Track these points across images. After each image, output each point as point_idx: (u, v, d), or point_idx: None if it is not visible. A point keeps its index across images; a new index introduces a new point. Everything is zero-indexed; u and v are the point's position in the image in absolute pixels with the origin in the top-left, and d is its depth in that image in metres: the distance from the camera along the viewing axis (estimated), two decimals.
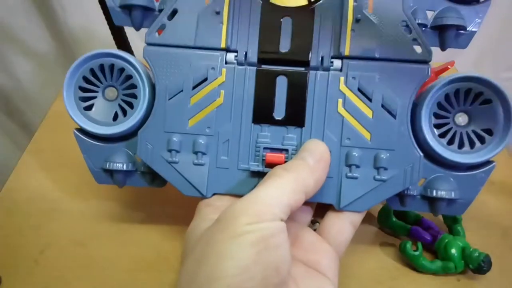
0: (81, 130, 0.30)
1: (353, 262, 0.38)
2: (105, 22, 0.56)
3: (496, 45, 0.74)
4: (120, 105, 0.29)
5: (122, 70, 0.29)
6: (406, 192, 0.29)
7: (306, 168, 0.25)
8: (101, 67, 0.29)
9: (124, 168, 0.30)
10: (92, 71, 0.29)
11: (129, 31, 0.57)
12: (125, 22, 0.31)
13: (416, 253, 0.36)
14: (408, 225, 0.39)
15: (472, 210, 0.41)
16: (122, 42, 0.58)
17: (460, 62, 0.67)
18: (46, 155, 0.47)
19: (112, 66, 0.29)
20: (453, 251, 0.36)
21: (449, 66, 0.47)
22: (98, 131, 0.29)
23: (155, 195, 0.43)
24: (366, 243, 0.39)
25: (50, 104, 0.54)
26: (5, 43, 0.65)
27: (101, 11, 0.55)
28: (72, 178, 0.44)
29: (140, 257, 0.38)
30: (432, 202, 0.30)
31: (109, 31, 0.57)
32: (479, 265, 0.35)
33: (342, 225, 0.29)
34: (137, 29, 0.31)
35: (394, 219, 0.39)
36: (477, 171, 0.29)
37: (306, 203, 0.26)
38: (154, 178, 0.31)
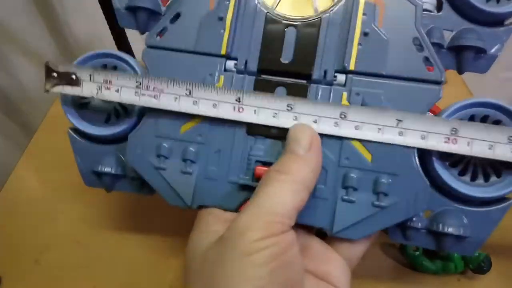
0: (76, 130, 0.30)
1: None
2: (106, 22, 0.56)
3: None
4: (115, 107, 0.29)
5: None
6: (409, 223, 0.27)
7: (299, 162, 0.23)
8: (104, 67, 0.29)
9: (113, 171, 0.29)
10: None
11: (131, 32, 0.57)
12: (130, 24, 0.31)
13: (416, 253, 0.36)
14: None
15: None
16: (122, 43, 0.59)
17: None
18: (45, 156, 0.47)
19: (114, 68, 0.29)
20: None
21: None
22: (91, 131, 0.29)
23: (155, 196, 0.43)
24: None
25: (50, 105, 0.54)
26: (5, 43, 0.65)
27: (101, 12, 0.55)
28: (72, 178, 0.44)
29: (140, 257, 0.38)
30: (438, 237, 0.27)
31: (109, 32, 0.57)
32: (479, 265, 0.35)
33: None
34: (142, 32, 0.30)
35: None
36: (491, 208, 0.26)
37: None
38: (143, 185, 0.30)
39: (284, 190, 0.22)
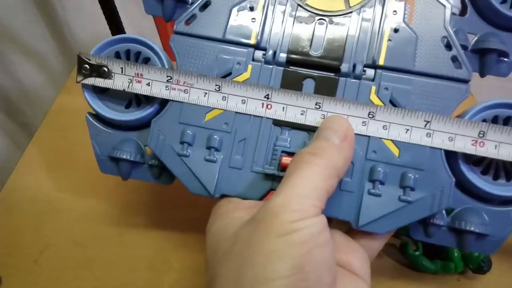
0: (93, 115, 0.30)
1: None
2: (106, 22, 0.56)
3: None
4: (136, 93, 0.28)
5: (147, 60, 0.29)
6: (431, 220, 0.27)
7: (333, 149, 0.23)
8: (127, 52, 0.29)
9: (132, 158, 0.29)
10: (117, 54, 0.29)
11: (130, 32, 0.57)
12: (156, 12, 0.31)
13: (416, 253, 0.36)
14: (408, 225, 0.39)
15: None
16: None
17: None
18: (46, 155, 0.47)
19: (138, 54, 0.29)
20: (453, 251, 0.36)
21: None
22: (112, 116, 0.28)
23: (155, 197, 0.43)
24: None
25: (50, 104, 0.54)
26: (5, 43, 0.65)
27: (101, 12, 0.55)
28: (72, 178, 0.44)
29: (140, 257, 0.38)
30: (459, 235, 0.27)
31: (109, 32, 0.57)
32: (479, 265, 0.35)
33: None
34: (167, 20, 0.30)
35: None
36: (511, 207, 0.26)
37: None
38: (161, 173, 0.30)
39: (318, 174, 0.22)
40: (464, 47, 0.28)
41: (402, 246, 0.37)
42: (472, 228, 0.26)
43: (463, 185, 0.27)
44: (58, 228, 0.40)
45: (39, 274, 0.37)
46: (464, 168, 0.26)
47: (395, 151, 0.26)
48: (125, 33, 0.58)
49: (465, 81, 0.26)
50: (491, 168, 0.26)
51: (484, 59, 0.28)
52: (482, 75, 0.29)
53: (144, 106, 0.29)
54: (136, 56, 0.29)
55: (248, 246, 0.20)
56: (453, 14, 0.28)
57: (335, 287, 0.21)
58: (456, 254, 0.35)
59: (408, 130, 0.25)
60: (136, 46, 0.29)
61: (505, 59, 0.28)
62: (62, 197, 0.43)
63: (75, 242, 0.39)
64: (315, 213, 0.21)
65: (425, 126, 0.25)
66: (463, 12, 0.29)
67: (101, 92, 0.29)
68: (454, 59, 0.26)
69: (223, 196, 0.27)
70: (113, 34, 0.58)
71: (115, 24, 0.56)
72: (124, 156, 0.29)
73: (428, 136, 0.25)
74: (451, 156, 0.26)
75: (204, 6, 0.29)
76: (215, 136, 0.27)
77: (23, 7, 0.63)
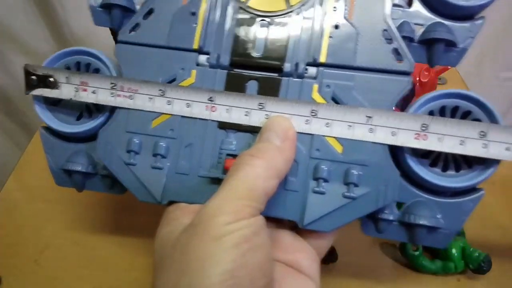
0: (48, 129, 0.30)
1: (353, 262, 0.38)
2: None
3: (496, 45, 0.74)
4: (86, 104, 0.29)
5: (97, 70, 0.29)
6: (381, 216, 0.27)
7: (274, 150, 0.23)
8: (77, 64, 0.29)
9: (84, 169, 0.29)
10: (67, 68, 0.29)
11: None
12: (105, 23, 0.31)
13: (416, 253, 0.36)
14: None
15: None
16: None
17: (460, 62, 0.67)
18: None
19: (88, 65, 0.29)
20: (453, 251, 0.36)
21: (448, 66, 0.47)
22: (62, 129, 0.28)
23: None
24: (366, 243, 0.39)
25: None
26: (5, 43, 0.65)
27: None
28: None
29: (140, 257, 0.38)
30: (410, 229, 0.27)
31: (109, 31, 0.57)
32: (479, 265, 0.35)
33: None
34: (116, 30, 0.31)
35: None
36: (463, 199, 0.26)
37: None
38: (113, 183, 0.30)
39: (255, 174, 0.22)
40: (411, 39, 0.28)
41: (402, 246, 0.37)
42: (422, 222, 0.26)
43: (413, 179, 0.26)
44: (58, 228, 0.40)
45: (39, 274, 0.37)
46: (411, 162, 0.26)
47: (338, 148, 0.26)
48: None
49: (407, 73, 0.26)
50: (440, 160, 0.26)
51: (432, 49, 0.28)
52: (431, 65, 0.29)
53: (95, 116, 0.28)
54: (86, 68, 0.29)
55: (185, 252, 0.20)
56: (399, 6, 0.28)
57: None
58: (456, 254, 0.35)
59: (350, 126, 0.25)
60: (85, 58, 0.29)
61: (454, 48, 0.28)
62: (62, 197, 0.43)
63: (75, 242, 0.39)
64: (250, 215, 0.21)
65: (367, 121, 0.25)
66: (409, 3, 0.28)
67: (53, 105, 0.29)
68: (395, 51, 0.26)
69: (171, 202, 0.27)
70: (113, 34, 0.58)
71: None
72: (76, 168, 0.29)
73: (371, 131, 0.25)
74: (398, 150, 0.26)
75: (148, 14, 0.28)
76: (161, 143, 0.27)
77: (23, 7, 0.63)
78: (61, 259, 0.38)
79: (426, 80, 0.45)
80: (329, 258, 0.37)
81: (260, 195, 0.22)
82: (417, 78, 0.45)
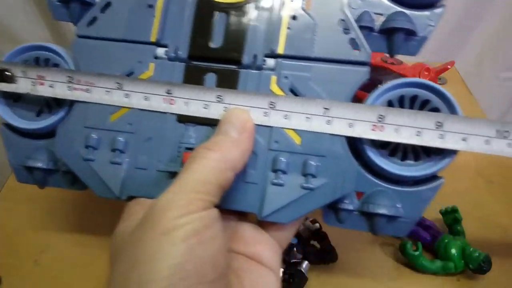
0: (8, 125, 0.29)
1: (353, 262, 0.38)
2: None
3: (496, 45, 0.74)
4: (46, 100, 0.28)
5: (56, 65, 0.28)
6: (341, 206, 0.27)
7: (230, 143, 0.23)
8: (36, 60, 0.28)
9: (45, 166, 0.28)
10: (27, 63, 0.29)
11: None
12: (64, 17, 0.30)
13: (416, 253, 0.36)
14: None
15: (472, 210, 0.41)
16: None
17: (460, 62, 0.67)
18: None
19: (47, 60, 0.28)
20: (453, 251, 0.36)
21: (448, 66, 0.47)
22: (22, 126, 0.28)
23: None
24: (366, 243, 0.39)
25: None
26: (5, 43, 0.65)
27: None
28: None
29: None
30: (370, 219, 0.27)
31: None
32: (479, 265, 0.35)
33: None
34: (76, 24, 0.31)
35: None
36: (422, 187, 0.26)
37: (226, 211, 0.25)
38: (75, 179, 0.29)
39: (209, 167, 0.22)
40: (371, 29, 0.28)
41: (402, 246, 0.37)
42: (381, 211, 0.26)
43: (372, 168, 0.26)
44: (58, 228, 0.40)
45: (39, 274, 0.37)
46: (370, 152, 0.26)
47: (297, 139, 0.26)
48: None
49: (365, 64, 0.26)
50: (398, 150, 0.26)
51: (391, 38, 0.28)
52: (391, 54, 0.29)
53: (55, 112, 0.28)
54: (46, 64, 0.29)
55: (136, 246, 0.20)
56: None
57: (222, 281, 0.21)
58: (456, 254, 0.35)
59: (308, 118, 0.25)
60: (44, 53, 0.29)
61: (414, 37, 0.28)
62: (62, 197, 0.43)
63: (75, 242, 0.39)
64: (202, 208, 0.21)
65: (324, 113, 0.25)
66: None
67: (15, 101, 0.29)
68: (353, 42, 0.26)
69: (132, 197, 0.26)
70: None
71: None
72: (36, 165, 0.28)
73: (328, 123, 0.25)
74: (358, 140, 0.26)
75: (105, 7, 0.28)
76: (120, 138, 0.27)
77: (23, 7, 0.63)
78: (61, 259, 0.38)
79: None
80: (329, 258, 0.37)
81: (214, 188, 0.22)
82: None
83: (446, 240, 0.36)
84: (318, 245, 0.38)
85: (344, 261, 0.37)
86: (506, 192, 0.44)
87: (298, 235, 0.37)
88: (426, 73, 0.45)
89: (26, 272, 0.37)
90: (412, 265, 0.37)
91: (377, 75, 0.44)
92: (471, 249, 0.35)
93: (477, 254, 0.35)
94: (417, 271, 0.37)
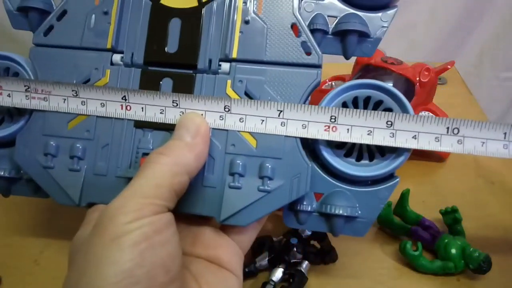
0: None
1: (353, 262, 0.38)
2: None
3: (496, 45, 0.74)
4: (8, 109, 0.28)
5: (16, 74, 0.29)
6: (300, 207, 0.27)
7: (183, 147, 0.23)
8: None
9: (7, 174, 0.29)
10: None
11: None
12: (23, 26, 0.30)
13: (416, 253, 0.36)
14: (408, 225, 0.39)
15: (472, 210, 0.41)
16: None
17: (460, 62, 0.67)
18: None
19: (7, 70, 0.29)
20: (453, 251, 0.36)
21: (448, 66, 0.47)
22: None
23: None
24: (366, 243, 0.39)
25: None
26: (5, 43, 0.65)
27: None
28: None
29: None
30: (329, 219, 0.27)
31: None
32: (479, 265, 0.35)
33: None
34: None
35: (394, 219, 0.39)
36: (379, 187, 0.27)
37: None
38: (38, 187, 0.29)
39: (162, 172, 0.22)
40: (325, 32, 0.28)
41: (402, 246, 0.37)
42: (339, 212, 0.26)
43: (330, 170, 0.27)
44: (58, 228, 0.40)
45: (39, 274, 0.37)
46: (325, 153, 0.26)
47: (252, 142, 0.26)
48: None
49: (316, 66, 0.27)
50: (354, 150, 0.27)
51: (345, 41, 0.28)
52: (346, 57, 0.29)
53: (16, 120, 0.28)
54: (7, 73, 0.29)
55: (86, 253, 0.20)
56: None
57: (175, 284, 0.21)
58: (456, 254, 0.35)
59: (263, 121, 0.26)
60: (4, 62, 0.29)
61: (367, 39, 0.28)
62: None
63: None
64: (153, 212, 0.21)
65: (278, 115, 0.26)
66: None
67: None
68: (304, 45, 0.27)
69: (91, 204, 0.26)
70: None
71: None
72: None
73: (283, 125, 0.26)
74: (314, 141, 0.26)
75: (61, 16, 0.28)
76: (78, 145, 0.27)
77: None
78: (61, 259, 0.38)
79: (426, 80, 0.45)
80: (329, 258, 0.37)
81: (166, 192, 0.22)
82: (417, 78, 0.45)
83: (446, 240, 0.36)
84: (318, 245, 0.38)
85: (344, 261, 0.37)
86: (506, 192, 0.44)
87: (298, 235, 0.37)
88: (426, 73, 0.45)
89: (26, 272, 0.37)
90: (412, 265, 0.37)
91: (378, 75, 0.44)
92: (471, 249, 0.35)
93: (477, 254, 0.35)
94: (417, 271, 0.36)
